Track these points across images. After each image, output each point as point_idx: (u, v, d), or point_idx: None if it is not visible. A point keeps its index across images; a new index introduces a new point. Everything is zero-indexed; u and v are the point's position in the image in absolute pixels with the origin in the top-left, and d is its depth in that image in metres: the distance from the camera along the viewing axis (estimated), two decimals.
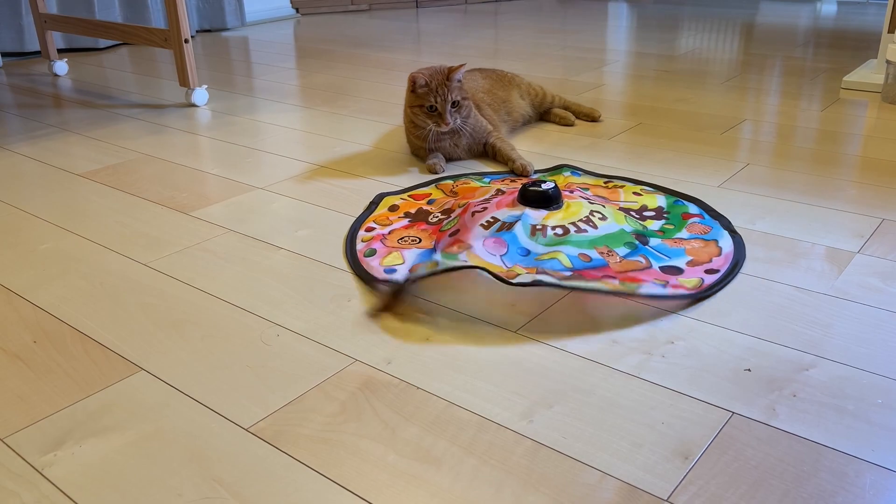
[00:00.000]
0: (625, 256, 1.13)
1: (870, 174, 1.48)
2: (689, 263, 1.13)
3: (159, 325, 1.02)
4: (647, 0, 4.04)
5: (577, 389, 0.86)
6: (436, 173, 1.54)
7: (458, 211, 1.25)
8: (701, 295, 1.04)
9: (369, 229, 1.26)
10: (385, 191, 1.43)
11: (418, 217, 1.29)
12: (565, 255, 1.11)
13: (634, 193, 1.39)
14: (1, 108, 2.14)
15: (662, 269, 1.11)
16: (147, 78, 2.48)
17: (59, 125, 1.96)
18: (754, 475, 0.73)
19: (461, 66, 1.52)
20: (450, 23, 3.42)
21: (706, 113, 1.93)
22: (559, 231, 1.15)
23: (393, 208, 1.33)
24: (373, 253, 1.17)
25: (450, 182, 1.46)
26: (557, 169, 1.52)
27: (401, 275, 1.10)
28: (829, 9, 3.62)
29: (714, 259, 1.15)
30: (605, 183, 1.45)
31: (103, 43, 2.94)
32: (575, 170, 1.51)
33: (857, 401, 0.83)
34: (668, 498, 0.70)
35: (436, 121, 1.52)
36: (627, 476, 0.73)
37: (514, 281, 1.01)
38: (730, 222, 1.27)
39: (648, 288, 1.03)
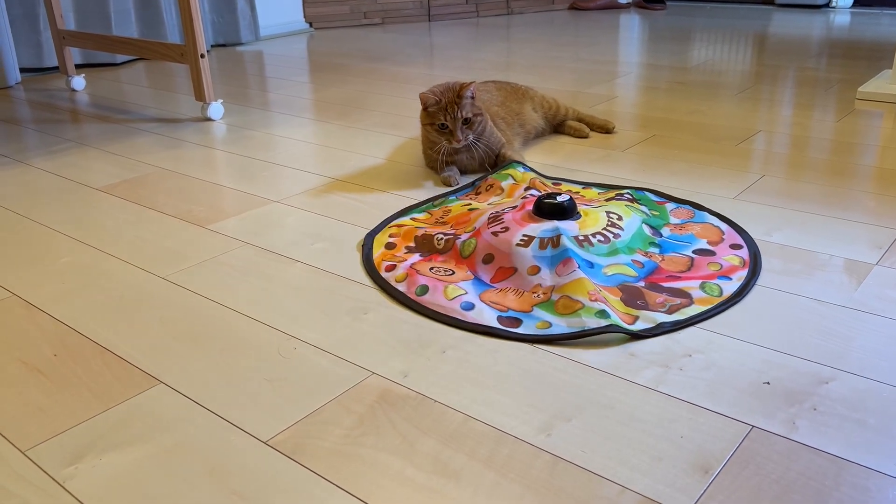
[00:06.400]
0: (661, 254, 1.19)
1: (886, 185, 1.48)
2: (710, 243, 1.23)
3: (178, 338, 1.02)
4: (660, 11, 4.05)
5: (596, 403, 0.86)
6: (451, 186, 1.54)
7: (466, 237, 1.21)
8: (755, 272, 1.13)
9: (390, 268, 1.19)
10: (372, 229, 1.34)
11: (425, 247, 1.24)
12: (624, 265, 1.14)
13: (599, 193, 1.45)
14: (20, 123, 2.17)
15: (696, 252, 1.20)
16: (163, 92, 2.51)
17: (77, 140, 1.98)
18: (775, 489, 0.72)
19: (471, 83, 1.52)
20: (462, 36, 3.44)
21: (720, 124, 1.93)
22: (601, 238, 1.16)
23: (390, 246, 1.27)
24: (426, 290, 1.11)
25: (422, 215, 1.39)
26: (508, 166, 1.54)
27: (484, 313, 1.05)
28: (842, 19, 3.61)
29: (724, 237, 1.25)
30: (553, 185, 1.52)
31: (120, 58, 2.98)
32: (525, 166, 1.55)
33: (879, 414, 0.82)
34: None
35: (447, 138, 1.53)
36: (647, 490, 0.73)
37: (637, 330, 0.98)
38: (700, 204, 1.39)
39: (728, 286, 1.10)
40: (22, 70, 2.80)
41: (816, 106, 2.08)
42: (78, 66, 2.93)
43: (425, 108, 1.55)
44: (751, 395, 0.86)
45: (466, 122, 1.52)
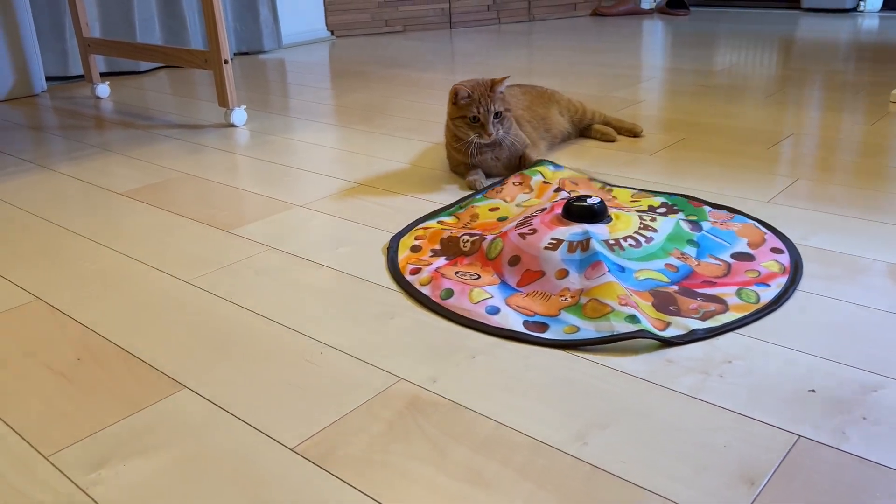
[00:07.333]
0: (697, 257, 1.15)
1: None
2: (750, 245, 1.19)
3: (202, 342, 1.01)
4: (683, 17, 4.01)
5: (633, 411, 0.83)
6: (475, 189, 1.52)
7: (492, 237, 1.19)
8: (795, 280, 1.09)
9: (414, 271, 1.16)
10: (398, 232, 1.32)
11: (450, 250, 1.22)
12: (656, 271, 1.11)
13: (633, 200, 1.39)
14: (45, 129, 2.18)
15: (734, 256, 1.16)
16: (186, 99, 2.52)
17: (100, 146, 1.98)
18: (826, 501, 0.69)
19: (504, 77, 1.51)
20: (484, 42, 3.43)
21: (750, 128, 1.89)
22: (632, 242, 1.13)
23: (415, 249, 1.24)
24: (450, 294, 1.08)
25: (449, 218, 1.36)
26: (537, 163, 1.51)
27: (510, 317, 1.01)
28: (870, 23, 3.55)
29: (766, 239, 1.21)
30: (588, 180, 1.50)
31: (144, 66, 2.99)
32: (556, 164, 1.53)
33: None
34: None
35: (478, 132, 1.50)
36: (691, 502, 0.69)
37: (669, 337, 0.95)
38: (738, 209, 1.33)
39: (766, 293, 1.05)
40: (48, 78, 2.82)
41: (847, 109, 2.03)
42: (102, 75, 2.94)
43: (455, 102, 1.52)
44: (796, 404, 0.82)
45: (497, 116, 1.50)
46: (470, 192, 1.50)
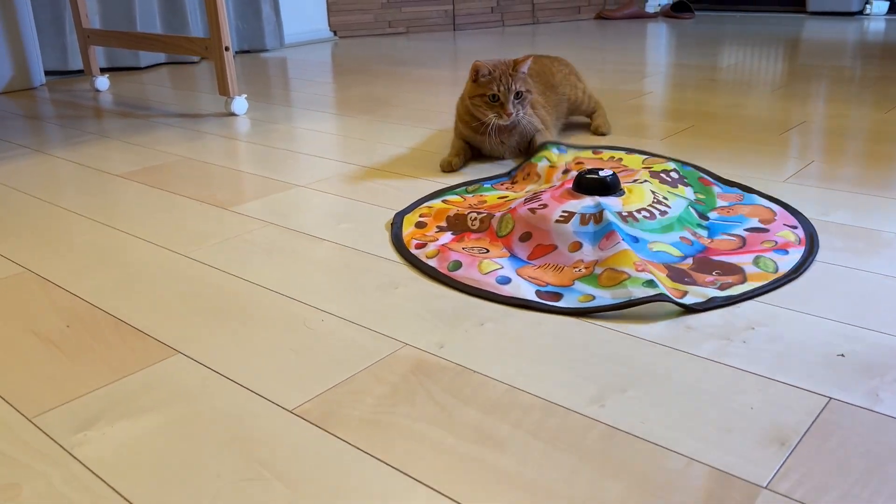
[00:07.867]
0: (710, 237, 1.12)
1: None
2: (762, 222, 1.15)
3: (198, 311, 0.96)
4: (688, 20, 3.99)
5: (653, 374, 0.78)
6: (452, 169, 1.48)
7: (501, 214, 1.15)
8: (812, 251, 1.05)
9: (419, 246, 1.13)
10: (402, 209, 1.28)
11: (457, 226, 1.18)
12: (669, 244, 1.06)
13: (644, 166, 1.34)
14: (43, 118, 2.14)
15: (748, 230, 1.13)
16: (187, 92, 2.48)
17: (98, 133, 1.95)
18: (864, 463, 0.64)
19: (528, 57, 1.45)
20: (487, 44, 3.40)
21: (759, 117, 1.85)
22: (647, 214, 1.09)
23: (420, 225, 1.20)
24: (458, 266, 1.04)
25: (455, 197, 1.32)
26: (541, 148, 1.46)
27: (521, 287, 0.97)
28: (877, 26, 3.53)
29: (777, 217, 1.17)
30: (594, 153, 1.45)
31: (144, 62, 2.96)
32: (560, 146, 1.47)
33: None
34: (767, 485, 0.62)
35: (497, 111, 1.43)
36: (717, 462, 0.65)
37: (688, 303, 0.91)
38: (749, 187, 1.30)
39: (784, 262, 1.02)
40: (47, 73, 2.79)
41: (858, 100, 1.99)
42: (102, 70, 2.91)
43: (475, 80, 1.46)
44: (825, 368, 0.78)
45: (518, 96, 1.44)
46: (478, 178, 1.46)
